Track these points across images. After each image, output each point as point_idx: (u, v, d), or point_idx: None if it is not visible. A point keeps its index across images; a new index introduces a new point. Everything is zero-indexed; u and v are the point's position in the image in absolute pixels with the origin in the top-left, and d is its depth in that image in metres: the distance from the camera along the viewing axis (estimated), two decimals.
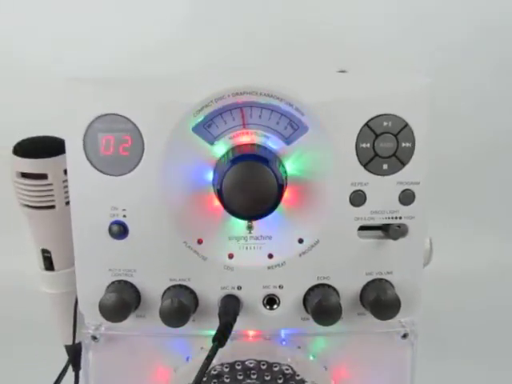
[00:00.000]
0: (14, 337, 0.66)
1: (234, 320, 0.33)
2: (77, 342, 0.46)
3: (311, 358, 0.38)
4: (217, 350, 0.30)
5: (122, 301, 0.33)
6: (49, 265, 0.42)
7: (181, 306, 0.33)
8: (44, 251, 0.42)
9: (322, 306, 0.33)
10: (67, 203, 0.40)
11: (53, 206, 0.39)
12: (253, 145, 0.33)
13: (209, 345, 0.34)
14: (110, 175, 0.34)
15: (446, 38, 0.85)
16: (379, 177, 0.34)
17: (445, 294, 0.70)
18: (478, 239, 0.86)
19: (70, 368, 0.48)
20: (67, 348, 0.47)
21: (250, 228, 0.35)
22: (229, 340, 0.33)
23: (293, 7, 0.84)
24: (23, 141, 0.38)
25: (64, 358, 0.47)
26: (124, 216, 0.34)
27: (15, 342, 0.66)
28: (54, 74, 0.76)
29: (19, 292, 0.70)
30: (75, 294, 0.43)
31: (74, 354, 0.45)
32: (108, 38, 0.82)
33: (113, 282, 0.35)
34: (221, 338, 0.31)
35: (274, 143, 0.34)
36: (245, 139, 0.34)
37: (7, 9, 0.82)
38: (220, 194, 0.31)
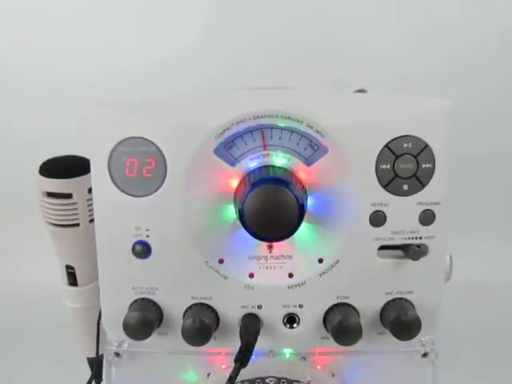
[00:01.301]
0: (33, 347, 0.68)
1: (255, 339, 0.33)
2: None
3: (331, 376, 0.38)
4: (239, 370, 0.31)
5: (145, 319, 0.34)
6: (72, 280, 0.43)
7: (203, 325, 0.33)
8: (68, 267, 0.43)
9: (342, 326, 0.33)
10: (91, 221, 0.41)
11: (77, 224, 0.40)
12: (273, 167, 0.33)
13: (230, 361, 0.35)
14: (134, 196, 0.34)
15: (459, 42, 0.84)
16: (399, 197, 0.34)
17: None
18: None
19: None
20: (89, 360, 0.48)
21: (270, 248, 0.35)
22: None
23: (311, 14, 0.84)
24: (48, 161, 0.40)
25: (82, 369, 0.49)
26: (147, 236, 0.35)
27: (34, 353, 0.67)
28: (76, 91, 0.78)
29: (39, 303, 0.72)
30: (98, 309, 0.45)
31: (98, 367, 0.46)
32: (121, 49, 0.83)
33: (136, 300, 0.36)
34: (243, 359, 0.31)
35: (294, 164, 0.34)
36: (265, 160, 0.34)
37: (28, 25, 0.83)
38: (241, 217, 0.31)
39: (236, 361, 0.31)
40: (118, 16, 0.83)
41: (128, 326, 0.34)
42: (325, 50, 0.83)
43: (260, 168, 0.33)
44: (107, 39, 0.83)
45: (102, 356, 0.48)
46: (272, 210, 0.31)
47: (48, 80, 0.83)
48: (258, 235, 0.31)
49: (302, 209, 0.31)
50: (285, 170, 0.33)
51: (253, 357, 0.34)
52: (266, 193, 0.31)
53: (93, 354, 0.47)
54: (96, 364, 0.46)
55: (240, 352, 0.32)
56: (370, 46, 0.83)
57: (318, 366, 0.38)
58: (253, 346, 0.32)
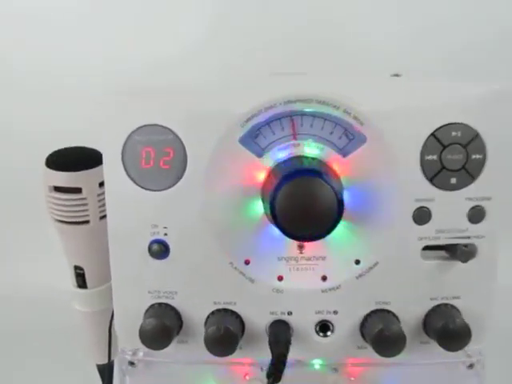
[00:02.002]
0: (39, 351, 0.65)
1: (287, 350, 0.30)
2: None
3: None
4: None
5: (164, 327, 0.31)
6: (81, 282, 0.40)
7: (228, 334, 0.30)
8: (77, 268, 0.39)
9: (384, 335, 0.30)
10: (102, 218, 0.37)
11: (87, 221, 0.36)
12: (307, 158, 0.30)
13: (254, 372, 0.32)
14: (151, 190, 0.31)
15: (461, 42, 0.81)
16: (446, 192, 0.30)
17: None
18: None
19: None
20: (99, 367, 0.45)
21: (301, 248, 0.32)
22: None
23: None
24: (56, 152, 0.36)
25: (92, 376, 0.46)
26: (165, 234, 0.32)
27: (41, 357, 0.64)
28: (85, 82, 0.76)
29: (48, 305, 0.69)
30: (109, 312, 0.41)
31: (109, 374, 0.43)
32: (122, 49, 0.81)
33: (152, 305, 0.33)
34: (276, 373, 0.28)
35: (327, 155, 0.31)
36: (296, 151, 0.31)
37: (43, 22, 0.81)
38: (273, 214, 0.28)
39: (269, 376, 0.28)
40: (118, 16, 0.81)
41: (145, 334, 0.30)
42: (325, 50, 0.80)
43: (291, 159, 0.30)
44: (107, 39, 0.80)
45: (112, 362, 0.45)
46: (308, 206, 0.27)
47: (49, 80, 0.80)
48: (291, 234, 0.28)
49: (341, 204, 0.28)
50: (319, 161, 0.30)
51: None
52: (301, 186, 0.27)
53: (103, 361, 0.44)
54: (107, 371, 0.43)
55: (272, 365, 0.29)
56: (370, 46, 0.81)
57: (352, 378, 0.34)
58: (285, 357, 0.29)
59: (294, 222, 0.27)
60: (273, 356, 0.29)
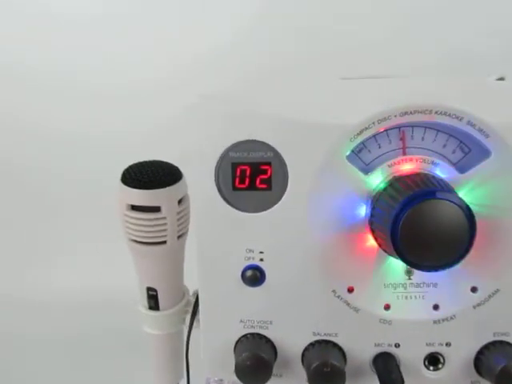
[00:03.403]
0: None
1: None
2: None
3: None
4: None
5: (263, 361, 0.28)
6: (153, 304, 0.37)
7: (336, 371, 0.27)
8: (149, 289, 0.37)
9: (509, 374, 0.27)
10: (179, 237, 0.35)
11: (164, 242, 0.34)
12: (426, 175, 0.27)
13: None
14: (246, 212, 0.28)
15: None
16: None
17: None
18: None
19: None
20: None
21: (409, 273, 0.29)
22: None
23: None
24: (132, 167, 0.33)
25: None
26: (261, 260, 0.29)
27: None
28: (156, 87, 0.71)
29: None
30: (179, 335, 0.39)
31: None
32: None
33: (244, 335, 0.30)
34: None
35: (442, 171, 0.28)
36: (409, 167, 0.28)
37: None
38: (395, 245, 0.24)
39: None
40: (151, 16, 0.78)
41: (243, 369, 0.28)
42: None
43: (409, 178, 0.27)
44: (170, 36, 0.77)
45: None
46: (440, 234, 0.24)
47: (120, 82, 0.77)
48: (417, 265, 0.25)
49: (474, 228, 0.25)
50: (440, 179, 0.27)
51: None
52: (430, 211, 0.24)
53: None
54: None
55: None
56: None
57: None
58: None
59: (422, 252, 0.24)
60: None
